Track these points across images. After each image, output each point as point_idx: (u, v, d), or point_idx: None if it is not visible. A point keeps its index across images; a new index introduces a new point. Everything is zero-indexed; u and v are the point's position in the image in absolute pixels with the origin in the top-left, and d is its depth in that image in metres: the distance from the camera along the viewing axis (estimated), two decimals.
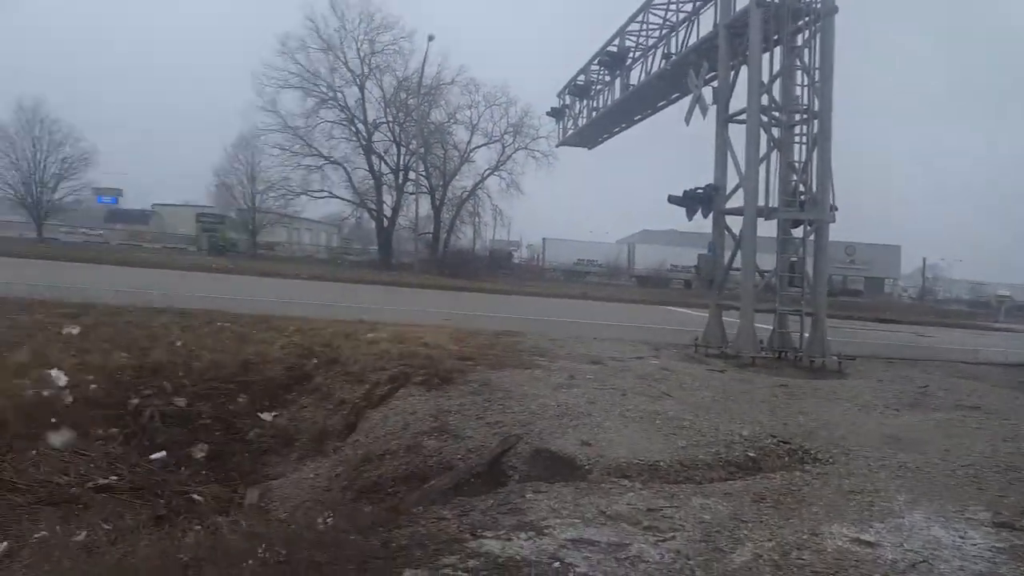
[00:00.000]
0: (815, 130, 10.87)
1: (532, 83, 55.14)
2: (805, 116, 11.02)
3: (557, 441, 5.70)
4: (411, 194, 43.00)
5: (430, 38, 38.31)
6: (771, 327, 11.68)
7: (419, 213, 40.77)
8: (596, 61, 19.15)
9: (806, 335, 11.23)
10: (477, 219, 45.29)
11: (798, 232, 11.30)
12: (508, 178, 43.18)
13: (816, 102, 10.87)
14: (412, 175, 43.19)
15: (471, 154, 43.53)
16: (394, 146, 43.06)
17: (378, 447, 6.37)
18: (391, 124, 42.75)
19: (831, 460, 5.55)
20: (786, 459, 5.74)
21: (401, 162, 43.12)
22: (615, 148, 23.20)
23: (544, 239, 57.86)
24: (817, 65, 10.88)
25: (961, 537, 3.79)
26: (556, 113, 23.18)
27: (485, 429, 6.10)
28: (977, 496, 4.63)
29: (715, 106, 11.90)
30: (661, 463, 5.34)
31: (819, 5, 10.81)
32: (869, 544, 3.62)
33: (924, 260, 63.12)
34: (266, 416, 7.98)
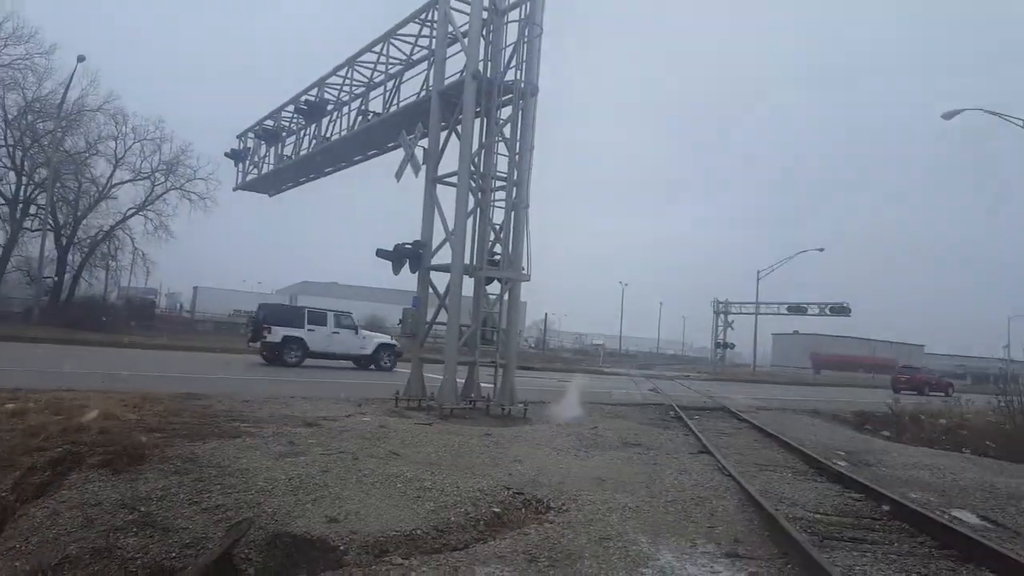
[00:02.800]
0: (514, 196, 11.87)
1: (196, 121, 49.79)
2: (505, 183, 11.98)
3: (298, 521, 4.92)
4: (33, 230, 34.72)
5: (80, 59, 31.97)
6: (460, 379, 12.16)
7: (43, 254, 32.89)
8: (291, 107, 18.25)
9: (498, 385, 11.96)
10: (113, 263, 38.50)
11: (490, 290, 12.12)
12: (157, 220, 37.82)
13: (515, 172, 11.92)
14: (34, 209, 35.02)
15: (113, 190, 37.15)
16: (12, 174, 34.69)
17: (50, 554, 4.63)
18: (12, 148, 34.38)
19: (565, 508, 5.83)
20: (525, 511, 5.86)
21: (22, 193, 34.78)
22: (286, 195, 22.11)
23: (196, 287, 52.00)
24: (519, 138, 11.99)
25: (713, 573, 4.28)
26: (236, 155, 21.35)
27: (203, 516, 4.95)
28: (695, 529, 5.33)
29: (425, 166, 12.24)
30: (417, 531, 5.00)
31: (524, 85, 11.97)
32: None
33: (546, 315, 74.12)
34: None
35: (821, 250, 53.30)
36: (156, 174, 37.62)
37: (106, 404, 7.71)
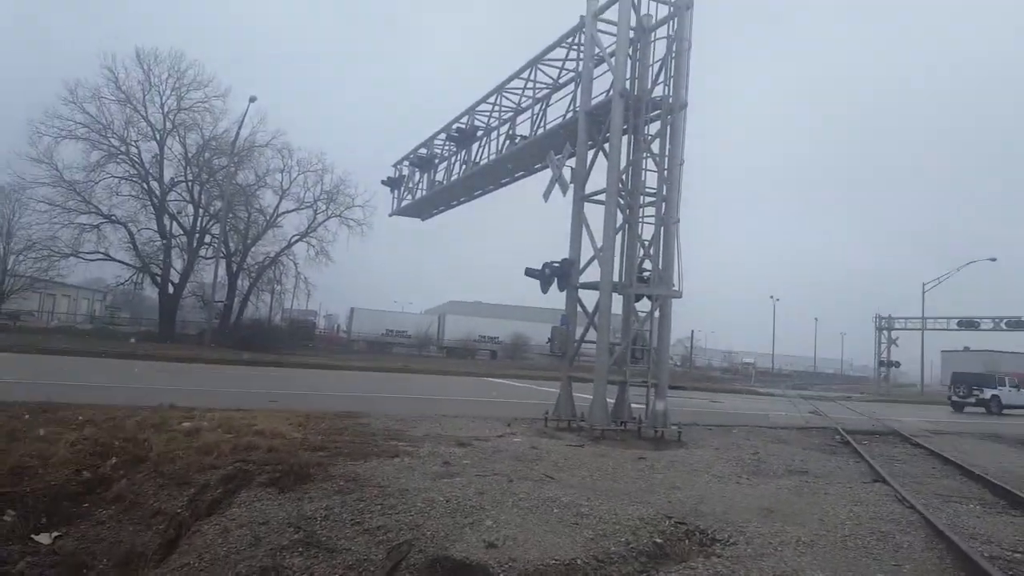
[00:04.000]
0: (663, 212, 11.57)
1: (357, 153, 53.89)
2: (653, 199, 11.72)
3: (457, 545, 4.92)
4: (207, 258, 38.76)
5: (252, 99, 35.58)
6: (610, 399, 11.91)
7: (215, 279, 36.70)
8: (442, 135, 19.13)
9: (650, 407, 11.57)
10: (278, 287, 42.14)
11: (639, 307, 11.82)
12: (318, 245, 41.01)
13: (664, 188, 11.63)
14: (208, 239, 39.23)
15: (279, 219, 40.85)
16: (191, 207, 39.00)
17: (221, 572, 4.94)
18: (190, 183, 38.66)
19: (732, 541, 5.43)
20: (688, 542, 5.52)
21: (199, 224, 39.02)
22: (437, 218, 23.06)
23: (352, 309, 55.61)
24: (667, 154, 11.69)
25: None
26: (392, 183, 22.64)
27: (365, 537, 5.09)
28: (878, 566, 4.78)
29: (572, 185, 12.27)
30: (577, 561, 4.83)
31: (671, 100, 11.71)
32: None
33: (692, 332, 71.30)
34: (43, 538, 6.10)
35: (993, 260, 47.24)
36: (318, 203, 40.72)
37: (272, 423, 8.29)
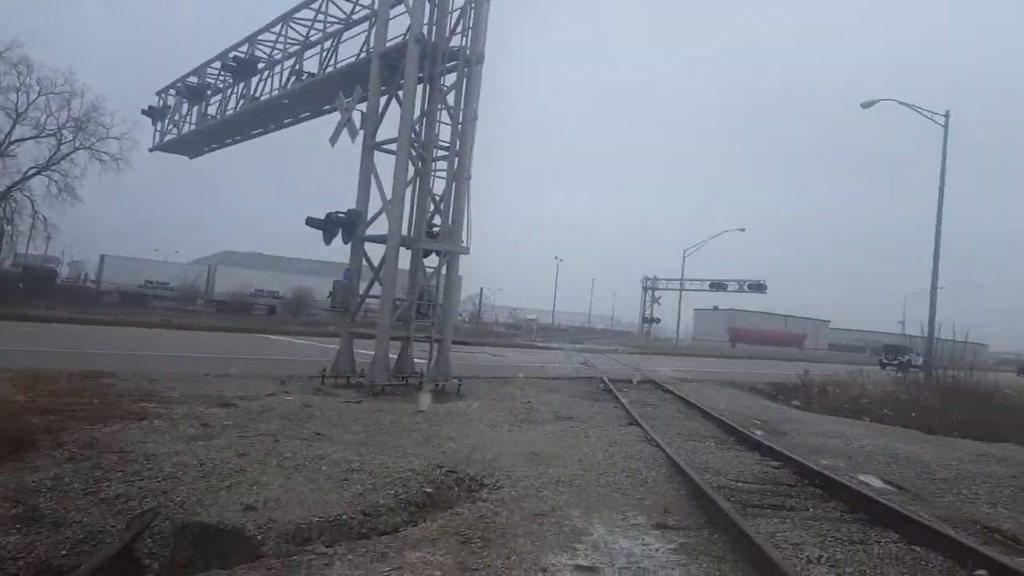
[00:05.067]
0: (455, 167, 11.50)
1: (115, 75, 46.09)
2: (447, 153, 11.57)
3: (210, 510, 4.59)
4: None
5: None
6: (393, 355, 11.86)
7: None
8: (218, 64, 17.09)
9: (432, 361, 11.72)
10: (8, 227, 35.40)
11: (427, 263, 11.80)
12: (62, 181, 34.98)
13: (458, 142, 11.52)
14: None
15: (11, 147, 33.96)
16: None
17: None
18: None
19: (498, 485, 5.73)
20: (458, 490, 5.73)
21: None
22: (209, 159, 20.91)
23: (103, 256, 48.58)
24: (462, 107, 11.55)
25: (644, 545, 4.28)
26: (155, 113, 19.96)
27: (101, 508, 4.52)
28: (626, 501, 5.34)
29: (362, 131, 11.67)
30: (343, 517, 4.77)
31: (469, 52, 11.53)
32: (591, 570, 3.77)
33: (481, 289, 73.73)
34: None
35: (743, 230, 55.39)
36: (63, 131, 34.53)
37: None
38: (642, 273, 63.25)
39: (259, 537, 4.33)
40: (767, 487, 6.13)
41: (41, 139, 34.62)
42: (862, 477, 6.81)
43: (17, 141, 34.15)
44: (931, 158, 24.45)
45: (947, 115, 22.58)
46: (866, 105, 23.60)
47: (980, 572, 3.89)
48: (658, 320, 64.71)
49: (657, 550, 4.17)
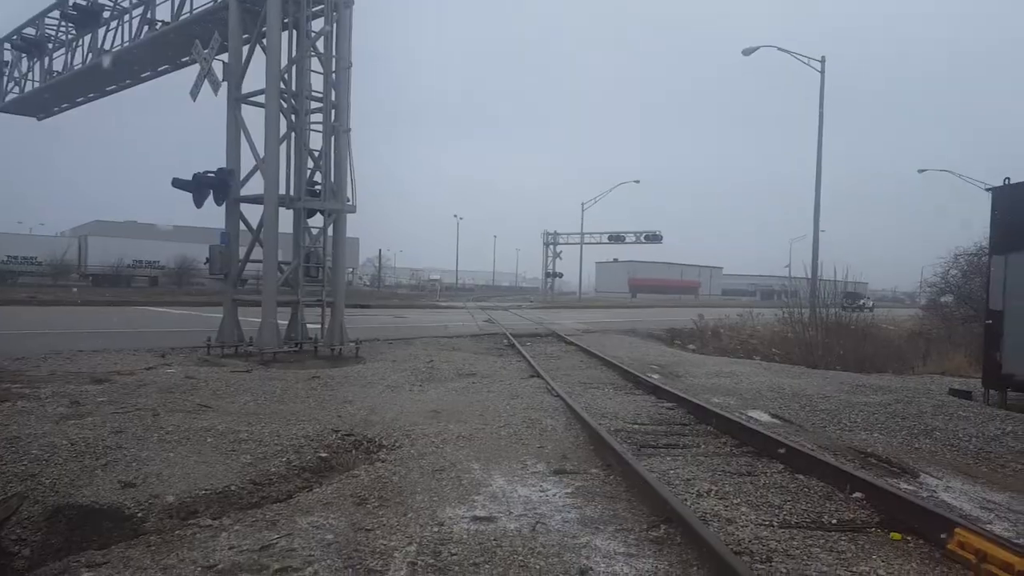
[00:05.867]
0: (332, 119, 10.90)
1: None
2: (322, 105, 10.94)
3: (84, 491, 4.26)
4: None
5: None
6: (283, 321, 11.39)
7: None
8: (56, 12, 15.35)
9: (326, 325, 11.33)
10: None
11: (313, 223, 11.28)
12: None
13: (333, 92, 10.90)
14: None
15: None
16: None
17: None
18: None
19: (397, 445, 5.65)
20: (355, 453, 5.60)
21: None
22: (69, 120, 18.98)
23: None
24: (335, 54, 10.91)
25: (542, 492, 4.33)
26: None
27: None
28: (525, 451, 5.40)
29: (226, 84, 10.83)
30: (231, 488, 4.54)
31: None
32: (487, 519, 3.78)
33: (380, 251, 72.20)
34: None
35: (637, 182, 56.80)
36: None
37: None
38: (543, 229, 64.04)
39: (139, 514, 4.05)
40: (661, 428, 6.39)
41: None
42: (751, 413, 7.23)
43: None
44: (813, 106, 25.76)
45: (823, 60, 23.73)
46: (747, 52, 24.43)
47: (857, 494, 4.22)
48: (561, 275, 65.97)
49: (554, 495, 4.24)
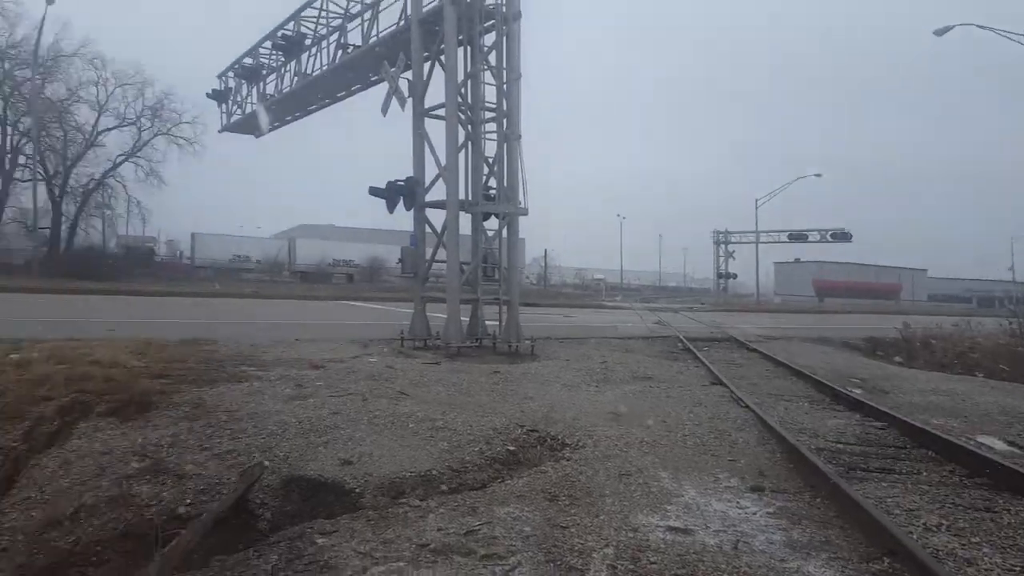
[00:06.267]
0: (504, 128, 11.40)
1: (179, 62, 48.32)
2: (495, 115, 11.49)
3: (311, 464, 4.82)
4: (24, 181, 33.97)
5: (49, 1, 30.23)
6: (464, 318, 11.99)
7: (36, 204, 32.25)
8: (268, 43, 17.48)
9: (503, 322, 11.78)
10: (108, 212, 38.07)
11: (489, 225, 11.81)
12: (147, 166, 37.09)
13: (504, 102, 11.42)
14: (23, 159, 34.10)
15: (100, 137, 36.21)
16: None
17: (65, 504, 4.56)
18: None
19: (580, 444, 5.69)
20: (540, 448, 5.73)
21: (9, 143, 33.90)
22: (277, 136, 21.52)
23: (193, 234, 51.44)
24: (505, 66, 11.42)
25: (740, 508, 4.13)
26: (219, 96, 20.64)
27: (215, 462, 4.85)
28: (716, 463, 5.17)
29: (410, 99, 11.71)
30: (433, 472, 4.87)
31: (505, 9, 11.33)
32: (684, 531, 3.69)
33: (545, 251, 73.46)
34: None
35: (819, 175, 52.39)
36: (141, 119, 36.86)
37: (110, 352, 7.55)
38: (714, 227, 61.18)
39: (357, 490, 4.51)
40: (871, 449, 5.76)
41: (123, 128, 37.01)
42: (981, 439, 6.33)
43: (103, 131, 36.51)
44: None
45: None
46: (939, 32, 21.56)
47: None
48: (735, 276, 62.65)
49: (754, 513, 4.03)
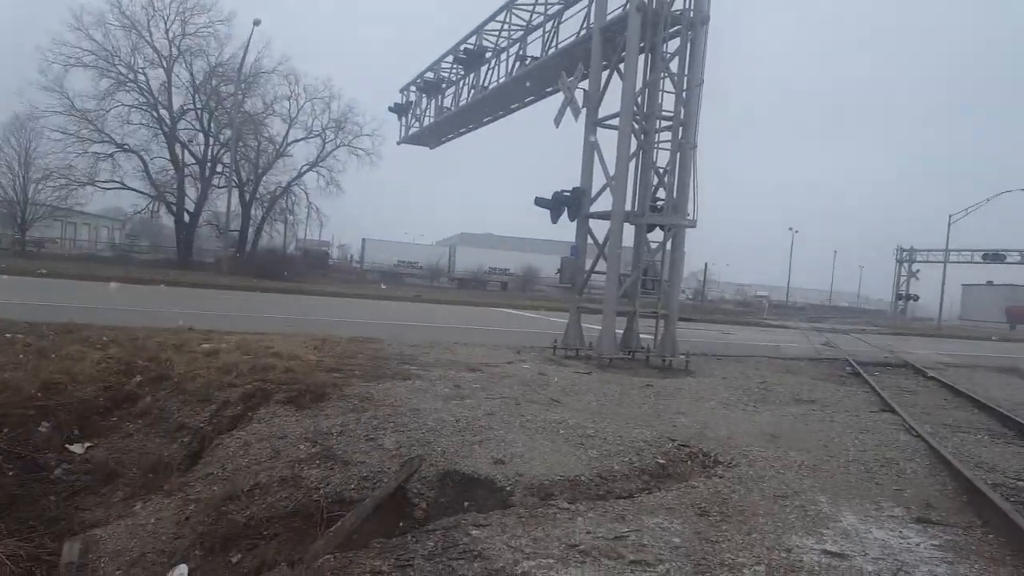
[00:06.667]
0: (680, 137, 11.24)
1: (366, 77, 52.96)
2: (670, 124, 11.36)
3: (466, 461, 5.15)
4: (220, 187, 38.72)
5: (256, 22, 34.17)
6: (619, 330, 12.01)
7: (229, 208, 36.81)
8: (450, 57, 18.58)
9: (659, 336, 11.68)
10: (291, 217, 42.35)
11: (651, 237, 11.75)
12: (328, 175, 40.84)
13: (682, 111, 11.25)
14: (220, 168, 39.05)
15: (288, 148, 40.48)
16: (201, 135, 38.55)
17: (243, 481, 5.25)
18: (199, 111, 38.16)
19: (734, 463, 5.58)
20: (691, 464, 5.69)
21: (209, 153, 38.75)
22: (447, 147, 22.80)
23: (364, 239, 55.93)
24: (686, 73, 11.25)
25: (902, 538, 3.91)
26: (399, 109, 22.21)
27: (378, 452, 5.33)
28: (880, 492, 4.89)
29: (584, 109, 11.95)
30: (582, 477, 5.03)
31: (692, 13, 11.19)
32: (839, 556, 3.57)
33: (706, 265, 70.91)
34: (76, 448, 6.44)
35: None
36: (326, 132, 40.14)
37: (289, 346, 8.53)
38: (897, 244, 55.59)
39: (508, 488, 4.76)
40: None
41: (310, 139, 40.67)
42: None
43: (292, 143, 40.49)
44: None
45: None
46: None
47: None
48: (916, 297, 56.43)
49: (917, 545, 3.79)
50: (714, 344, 17.33)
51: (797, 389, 10.00)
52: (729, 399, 8.70)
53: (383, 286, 38.20)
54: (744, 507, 4.39)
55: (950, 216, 47.22)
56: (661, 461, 5.57)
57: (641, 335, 12.10)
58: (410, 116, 22.05)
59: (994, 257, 51.47)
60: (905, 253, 54.66)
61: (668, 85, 11.43)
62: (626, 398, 7.99)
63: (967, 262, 52.97)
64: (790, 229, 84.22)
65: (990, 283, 65.07)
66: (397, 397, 6.68)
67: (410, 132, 22.19)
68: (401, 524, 4.63)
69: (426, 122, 20.93)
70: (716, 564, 3.36)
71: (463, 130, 20.42)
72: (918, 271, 54.52)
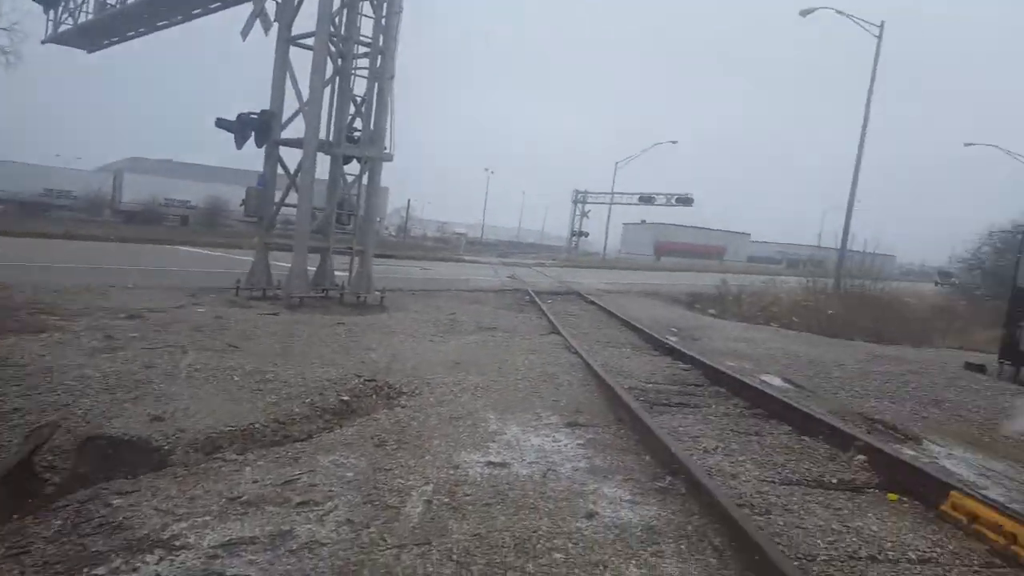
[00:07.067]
0: (378, 65, 10.80)
1: None
2: (368, 51, 10.82)
3: (115, 422, 4.47)
4: None
5: None
6: (312, 267, 11.56)
7: None
8: None
9: (353, 273, 11.50)
10: None
11: (348, 170, 11.32)
12: None
13: (381, 38, 10.77)
14: None
15: None
16: None
17: None
18: None
19: (417, 392, 5.80)
20: (376, 398, 5.76)
21: None
22: (115, 54, 19.07)
23: None
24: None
25: (555, 442, 4.47)
26: (47, 1, 17.78)
27: None
28: (541, 404, 5.53)
29: (276, 24, 10.77)
30: (256, 425, 4.73)
31: None
32: (501, 465, 3.92)
33: (408, 201, 72.11)
34: None
35: (674, 143, 55.52)
36: None
37: None
38: (574, 187, 63.39)
39: (167, 447, 4.25)
40: (675, 388, 6.49)
41: None
42: (764, 377, 7.29)
43: None
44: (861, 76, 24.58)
45: (882, 25, 22.49)
46: (804, 13, 23.41)
47: (859, 457, 4.28)
48: (587, 234, 65.56)
49: (566, 445, 4.38)
50: (411, 280, 17.83)
51: (481, 318, 10.80)
52: (419, 332, 9.02)
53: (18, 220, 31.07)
54: (421, 432, 4.58)
55: (616, 163, 55.04)
56: (345, 398, 5.51)
57: (336, 272, 11.78)
58: (60, 10, 17.88)
59: (647, 199, 62.12)
60: (580, 195, 62.51)
61: (367, 9, 10.95)
62: (314, 338, 7.74)
63: (628, 204, 62.89)
64: (486, 170, 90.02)
65: (643, 222, 78.54)
66: (26, 354, 5.51)
67: (60, 30, 18.03)
68: (28, 504, 3.85)
69: (82, 19, 17.15)
70: (387, 491, 3.43)
71: (131, 34, 17.22)
72: (589, 211, 63.09)
